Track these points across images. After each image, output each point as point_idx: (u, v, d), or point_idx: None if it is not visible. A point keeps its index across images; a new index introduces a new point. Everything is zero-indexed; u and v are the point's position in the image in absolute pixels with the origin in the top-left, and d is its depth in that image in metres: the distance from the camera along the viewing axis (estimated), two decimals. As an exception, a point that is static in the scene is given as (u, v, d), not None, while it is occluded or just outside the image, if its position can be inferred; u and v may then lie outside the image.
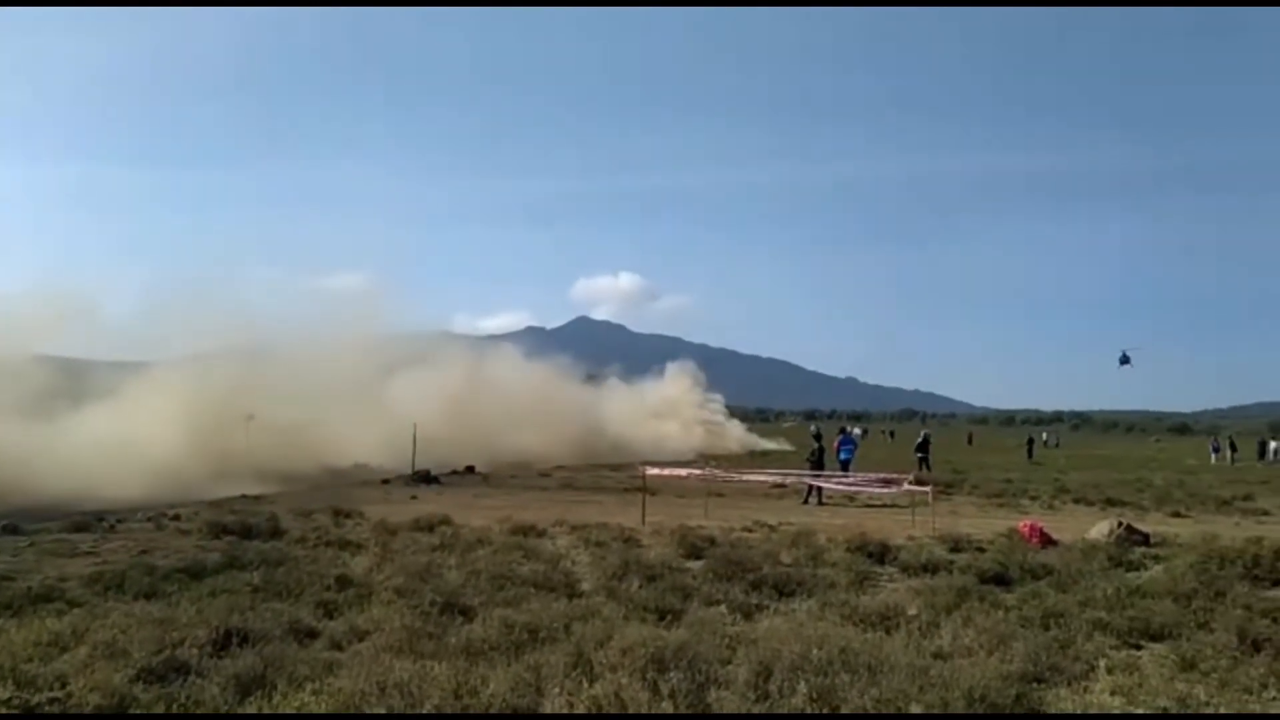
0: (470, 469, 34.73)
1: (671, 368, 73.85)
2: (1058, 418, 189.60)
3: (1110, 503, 24.63)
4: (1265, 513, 23.15)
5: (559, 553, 13.12)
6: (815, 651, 7.58)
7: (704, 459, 47.89)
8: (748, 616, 9.67)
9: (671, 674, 6.77)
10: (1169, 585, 11.00)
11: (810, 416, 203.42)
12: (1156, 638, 9.08)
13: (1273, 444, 61.34)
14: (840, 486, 22.35)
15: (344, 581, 10.54)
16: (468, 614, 9.15)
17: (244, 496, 22.32)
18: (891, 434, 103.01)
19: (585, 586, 10.86)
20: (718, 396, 74.99)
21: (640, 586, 10.64)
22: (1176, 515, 22.55)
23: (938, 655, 8.16)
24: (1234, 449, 56.23)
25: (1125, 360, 53.34)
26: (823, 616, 9.46)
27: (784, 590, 10.87)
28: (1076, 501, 25.17)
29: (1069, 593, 10.76)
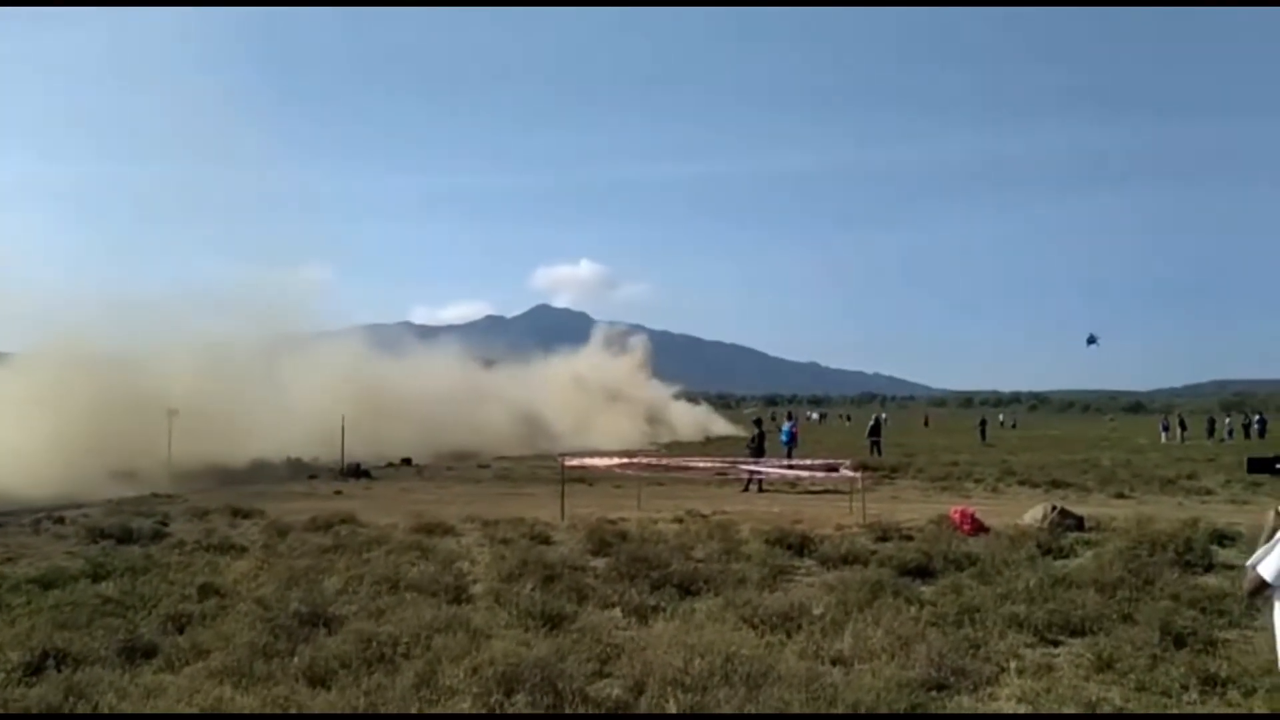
0: (406, 461, 33.79)
1: (596, 335, 71.69)
2: (1015, 399, 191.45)
3: (1055, 484, 24.20)
4: (1209, 492, 22.78)
5: (460, 552, 12.30)
6: (697, 662, 6.87)
7: (661, 446, 47.28)
8: (643, 620, 8.93)
9: (519, 696, 6.00)
10: (1095, 574, 10.41)
11: (772, 401, 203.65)
12: (1077, 633, 8.46)
13: (1226, 420, 61.83)
14: (780, 473, 21.69)
15: (208, 591, 9.66)
16: (332, 626, 8.33)
17: (154, 495, 21.23)
18: (848, 418, 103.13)
19: (476, 590, 10.06)
20: (653, 381, 72.96)
21: (534, 589, 9.87)
22: (1120, 496, 22.15)
23: (836, 661, 7.48)
24: (1183, 428, 56.44)
25: (1092, 340, 53.98)
26: (722, 618, 8.73)
27: (689, 589, 10.14)
28: (1021, 484, 24.70)
29: (991, 584, 10.12)
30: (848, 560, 11.56)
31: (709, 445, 48.75)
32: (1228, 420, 61.18)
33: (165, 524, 14.79)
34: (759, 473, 22.30)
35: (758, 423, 25.26)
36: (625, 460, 21.67)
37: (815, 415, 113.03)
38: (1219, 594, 9.58)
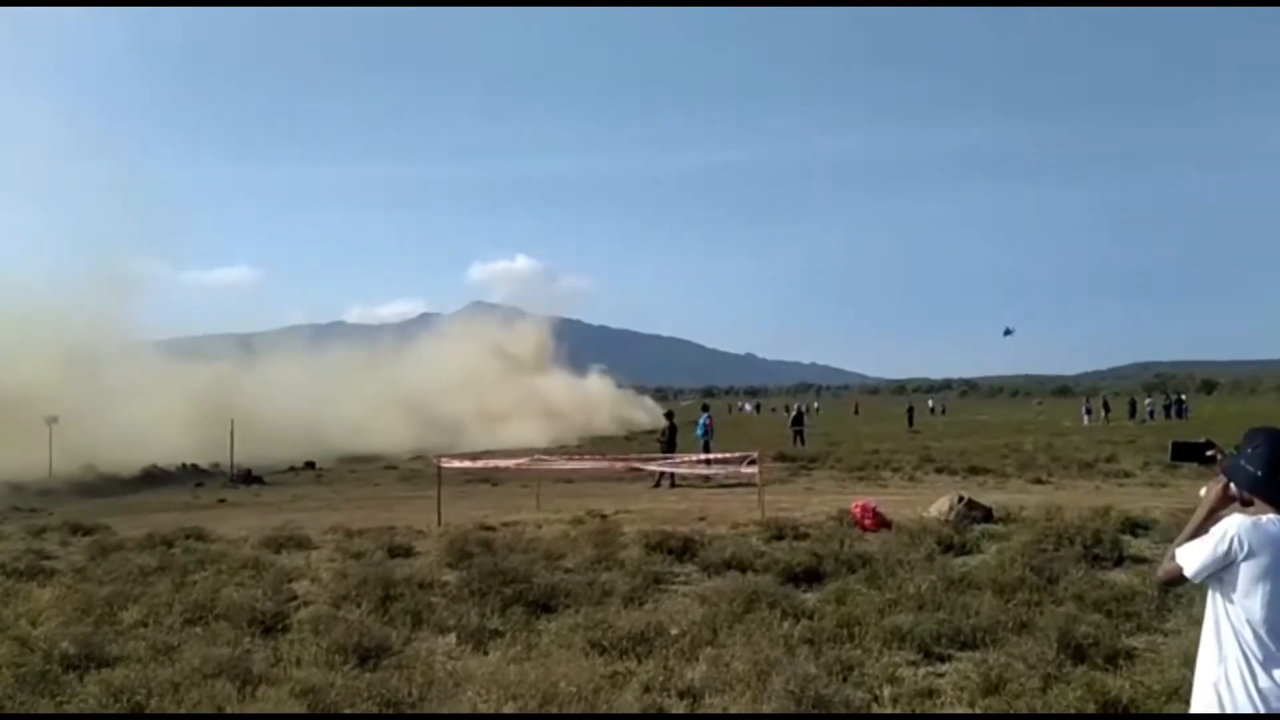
0: (310, 465, 32.20)
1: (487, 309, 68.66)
2: (946, 385, 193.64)
3: (973, 471, 23.56)
4: (1127, 474, 22.30)
5: (301, 570, 10.97)
6: (508, 707, 5.71)
7: (585, 442, 45.90)
8: (479, 647, 7.74)
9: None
10: (996, 573, 9.46)
11: (708, 393, 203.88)
12: (968, 645, 7.48)
13: (1147, 401, 62.47)
14: (675, 469, 20.74)
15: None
16: (105, 668, 7.01)
17: (14, 509, 19.54)
18: (788, 408, 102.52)
19: (300, 616, 8.77)
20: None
21: (367, 612, 8.65)
22: (1038, 482, 21.58)
23: (685, 693, 6.38)
24: (1107, 409, 56.84)
25: (1009, 332, 55.78)
26: (570, 642, 7.59)
27: (547, 605, 8.98)
28: (939, 471, 23.99)
29: (881, 589, 9.11)
30: (731, 565, 10.47)
31: (631, 441, 47.60)
32: (1149, 401, 61.82)
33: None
34: (670, 469, 21.38)
35: (668, 416, 24.16)
36: (515, 462, 20.39)
37: (748, 406, 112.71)
38: (1127, 593, 8.69)
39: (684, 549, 11.26)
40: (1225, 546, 3.14)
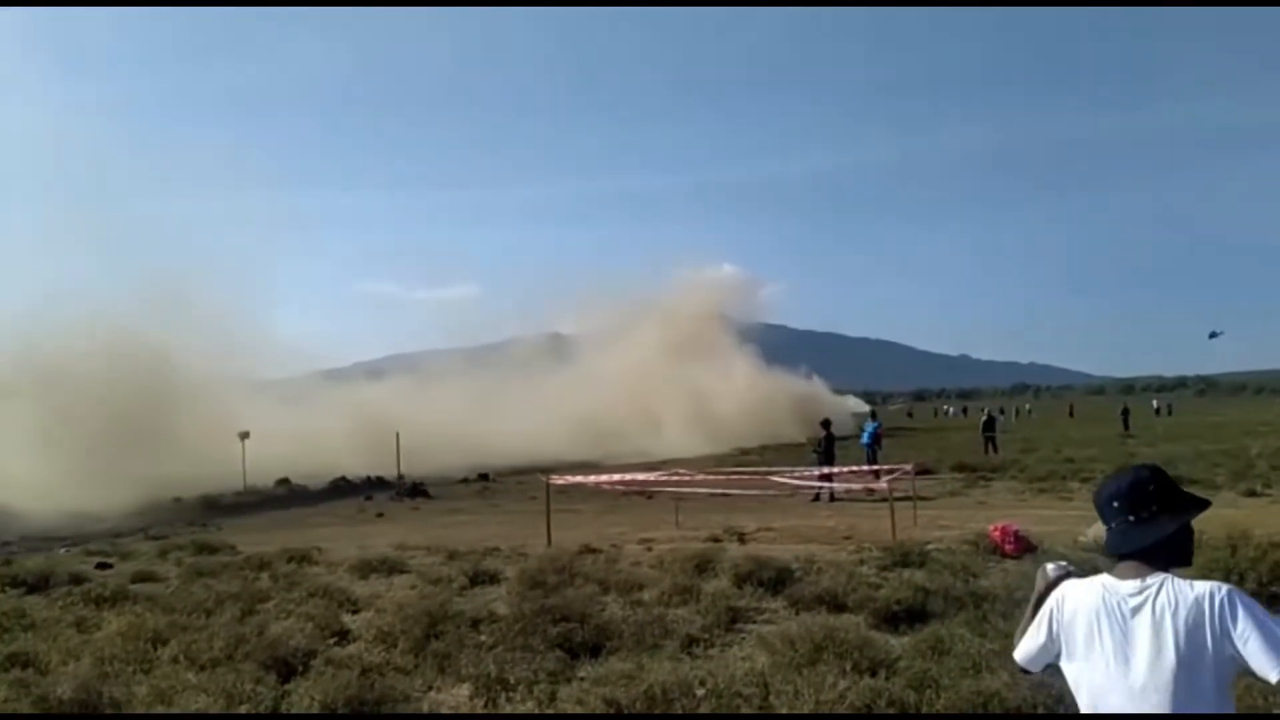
0: (483, 476, 32.53)
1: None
2: (1181, 383, 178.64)
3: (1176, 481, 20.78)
4: (1362, 483, 19.10)
5: (371, 598, 10.49)
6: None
7: (759, 448, 44.41)
8: (492, 701, 6.90)
9: None
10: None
11: (918, 397, 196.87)
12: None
13: None
14: (818, 484, 19.42)
15: (13, 661, 8.14)
16: (90, 716, 6.64)
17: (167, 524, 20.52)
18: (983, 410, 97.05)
19: (331, 654, 8.19)
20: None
21: (408, 651, 8.03)
22: (1252, 494, 18.76)
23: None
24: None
25: (1215, 335, 52.78)
26: (587, 700, 6.62)
27: (597, 647, 8.04)
28: (1134, 482, 21.33)
29: (983, 635, 7.64)
30: (824, 600, 9.20)
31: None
32: None
33: (108, 564, 13.59)
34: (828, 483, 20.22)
35: (825, 424, 22.62)
36: (625, 478, 19.60)
37: (953, 410, 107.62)
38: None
39: (778, 580, 10.03)
40: None
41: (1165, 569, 2.57)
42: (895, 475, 17.08)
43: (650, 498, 22.66)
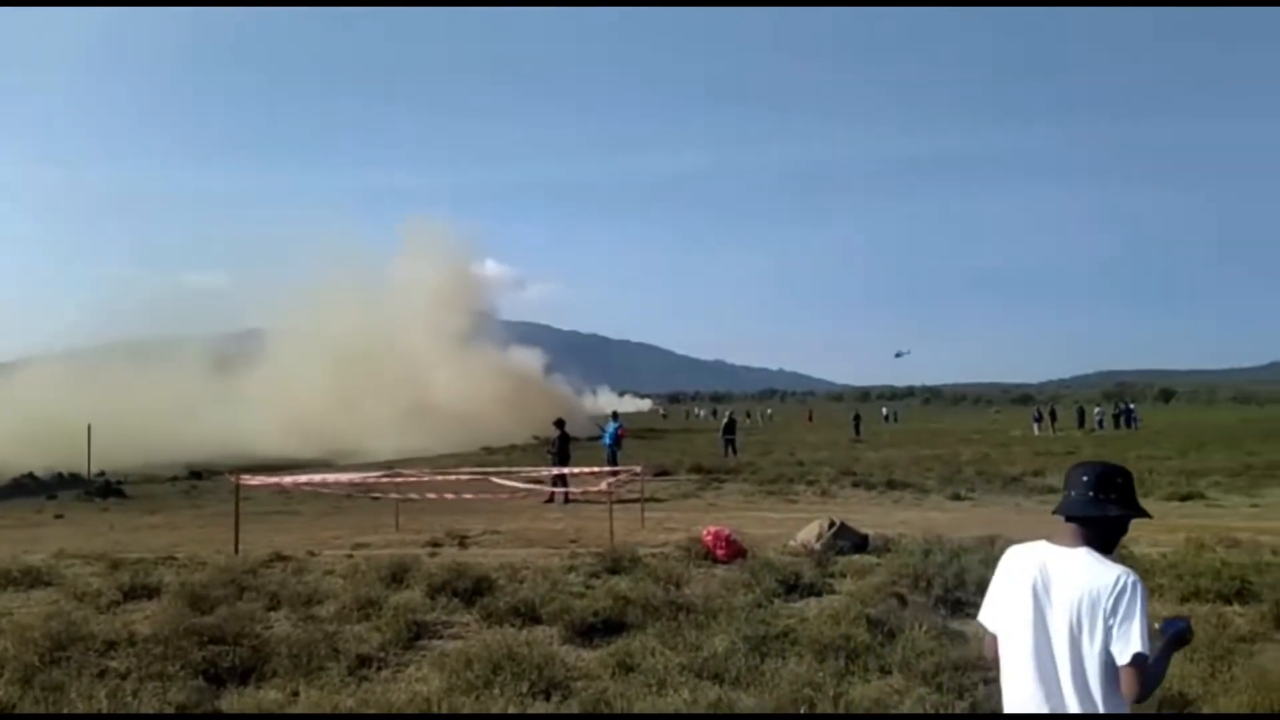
0: (196, 474, 29.91)
1: None
2: (910, 392, 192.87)
3: (892, 485, 21.82)
4: (1052, 490, 20.60)
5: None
6: None
7: (505, 447, 43.53)
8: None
9: None
10: (825, 626, 7.59)
11: (674, 399, 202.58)
12: (743, 739, 5.61)
13: (1096, 410, 61.30)
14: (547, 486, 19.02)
15: None
16: None
17: None
18: (748, 414, 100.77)
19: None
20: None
21: (14, 682, 6.68)
22: (957, 498, 19.88)
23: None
24: (1054, 418, 55.51)
25: (900, 354, 58.36)
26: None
27: (247, 673, 7.01)
28: (856, 485, 22.23)
29: (675, 649, 7.22)
30: (520, 612, 8.54)
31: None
32: (1098, 410, 60.69)
33: None
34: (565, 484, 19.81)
35: (559, 423, 22.07)
36: (322, 479, 18.48)
37: (703, 413, 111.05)
38: (971, 659, 6.73)
39: (475, 590, 9.28)
40: None
41: (1092, 545, 3.00)
42: (621, 477, 16.75)
43: (378, 499, 21.37)
